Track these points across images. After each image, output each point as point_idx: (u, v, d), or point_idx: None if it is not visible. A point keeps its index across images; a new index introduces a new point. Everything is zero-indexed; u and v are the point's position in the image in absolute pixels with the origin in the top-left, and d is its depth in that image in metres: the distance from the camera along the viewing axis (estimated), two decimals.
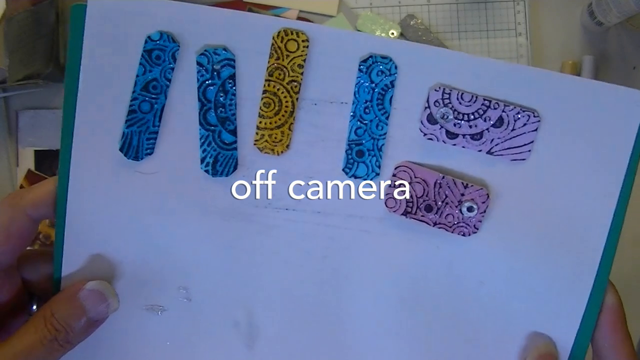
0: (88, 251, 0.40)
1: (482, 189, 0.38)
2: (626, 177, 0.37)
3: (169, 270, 0.40)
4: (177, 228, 0.40)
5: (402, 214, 0.39)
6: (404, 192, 0.38)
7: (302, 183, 0.39)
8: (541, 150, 0.37)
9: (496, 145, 0.37)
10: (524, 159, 0.37)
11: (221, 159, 0.39)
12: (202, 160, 0.39)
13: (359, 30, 0.68)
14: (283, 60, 0.37)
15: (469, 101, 0.37)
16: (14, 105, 0.76)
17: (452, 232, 0.39)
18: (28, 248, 0.40)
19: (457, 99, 0.37)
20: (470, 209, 0.38)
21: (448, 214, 0.39)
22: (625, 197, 0.37)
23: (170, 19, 0.37)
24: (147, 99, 0.38)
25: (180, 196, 0.39)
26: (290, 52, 0.37)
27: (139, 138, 0.38)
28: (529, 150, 0.37)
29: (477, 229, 0.39)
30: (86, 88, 0.37)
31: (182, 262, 0.40)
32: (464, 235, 0.39)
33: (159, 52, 0.37)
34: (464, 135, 0.37)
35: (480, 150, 0.38)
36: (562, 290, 0.39)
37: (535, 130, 0.37)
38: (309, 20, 0.70)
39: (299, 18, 0.69)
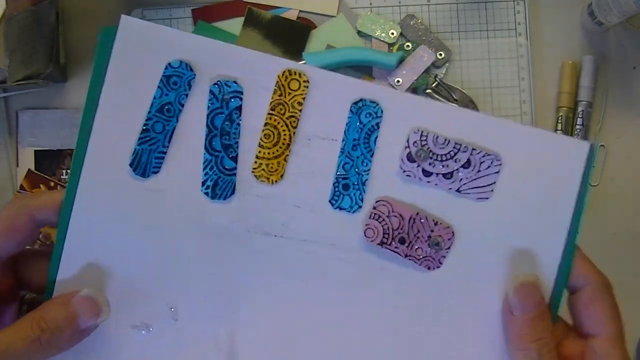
0: (85, 259, 0.42)
1: (448, 227, 0.43)
2: (573, 218, 0.43)
3: (160, 288, 0.43)
4: (173, 246, 0.42)
5: (379, 244, 0.43)
6: (381, 224, 0.43)
7: (291, 211, 0.43)
8: (501, 190, 0.43)
9: (464, 184, 0.43)
10: (487, 198, 0.43)
11: (221, 183, 0.42)
12: (204, 183, 0.42)
13: (359, 31, 0.72)
14: (285, 96, 0.42)
15: (442, 144, 0.43)
16: (14, 105, 0.77)
17: (420, 265, 0.43)
18: (27, 247, 0.41)
19: (433, 141, 0.43)
20: (437, 245, 0.43)
21: (418, 248, 0.43)
22: (573, 239, 0.43)
23: (190, 49, 0.42)
24: (160, 120, 0.42)
25: (178, 215, 0.42)
26: (292, 90, 0.42)
27: (148, 156, 0.42)
28: (492, 190, 0.43)
29: (441, 263, 0.43)
30: (106, 104, 0.41)
31: (174, 281, 0.43)
32: (429, 268, 0.43)
33: (177, 79, 0.42)
34: (437, 174, 0.43)
35: (450, 189, 0.43)
36: None
37: (497, 172, 0.43)
38: (309, 20, 0.73)
39: (298, 18, 0.73)
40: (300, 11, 0.72)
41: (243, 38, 0.72)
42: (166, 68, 0.42)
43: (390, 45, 0.72)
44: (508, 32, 0.71)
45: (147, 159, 0.42)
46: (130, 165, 0.42)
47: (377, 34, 0.71)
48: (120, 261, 0.42)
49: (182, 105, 0.42)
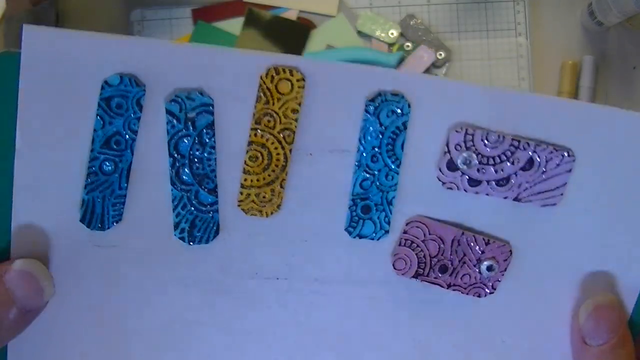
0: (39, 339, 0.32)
1: (505, 244, 0.33)
2: None
3: None
4: (145, 308, 0.33)
5: (413, 277, 0.33)
6: (415, 251, 0.33)
7: (297, 247, 0.33)
8: (572, 193, 0.33)
9: (524, 190, 0.32)
10: (554, 204, 0.33)
11: (199, 224, 0.32)
12: (176, 226, 0.32)
13: (359, 31, 0.67)
14: (273, 104, 0.30)
15: (495, 142, 0.31)
16: None
17: (467, 294, 0.34)
18: None
19: (482, 140, 0.31)
20: (490, 268, 0.33)
21: (465, 274, 0.33)
22: None
23: (131, 58, 0.29)
24: (109, 157, 0.30)
25: (152, 270, 0.32)
26: (283, 94, 0.30)
27: (103, 204, 0.31)
28: (561, 194, 0.32)
29: (495, 289, 0.34)
30: (25, 151, 0.29)
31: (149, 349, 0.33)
32: (479, 296, 0.34)
33: (121, 100, 0.30)
34: (488, 182, 0.32)
35: (506, 197, 0.33)
36: None
37: (570, 171, 0.32)
38: (308, 21, 0.70)
39: (298, 18, 0.70)
40: (300, 11, 0.70)
41: (243, 38, 0.71)
42: (103, 88, 0.29)
43: (390, 45, 0.71)
44: (508, 32, 0.70)
45: (102, 208, 0.31)
46: (82, 220, 0.31)
47: (377, 34, 0.69)
48: (87, 337, 0.33)
49: (135, 133, 0.30)
